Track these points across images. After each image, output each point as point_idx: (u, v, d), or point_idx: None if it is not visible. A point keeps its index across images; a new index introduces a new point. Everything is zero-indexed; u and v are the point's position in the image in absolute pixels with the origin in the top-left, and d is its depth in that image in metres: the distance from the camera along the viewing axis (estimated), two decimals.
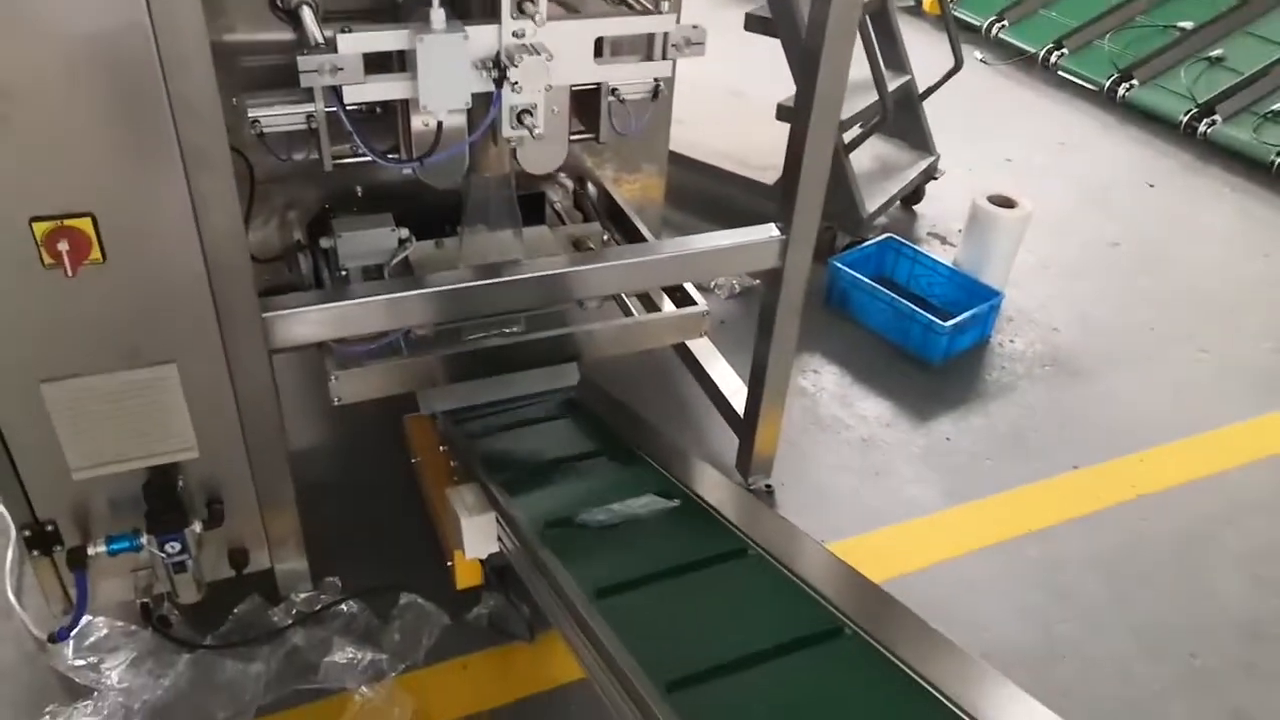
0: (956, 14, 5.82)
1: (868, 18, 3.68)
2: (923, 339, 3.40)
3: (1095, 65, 5.54)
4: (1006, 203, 3.60)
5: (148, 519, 2.03)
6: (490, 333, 2.44)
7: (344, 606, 2.36)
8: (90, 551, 2.03)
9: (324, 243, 2.41)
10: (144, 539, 2.03)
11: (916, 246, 3.75)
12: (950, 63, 4.14)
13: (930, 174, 4.25)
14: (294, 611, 2.34)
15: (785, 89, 3.36)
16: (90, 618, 2.24)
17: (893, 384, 3.32)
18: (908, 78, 4.09)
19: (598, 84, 2.35)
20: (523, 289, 2.24)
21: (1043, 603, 2.59)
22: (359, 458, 2.85)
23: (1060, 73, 5.66)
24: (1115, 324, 3.72)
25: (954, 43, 4.12)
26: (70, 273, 1.72)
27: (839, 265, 3.61)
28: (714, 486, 2.21)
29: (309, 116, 2.15)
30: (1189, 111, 5.03)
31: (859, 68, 3.51)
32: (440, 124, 2.08)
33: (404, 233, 2.41)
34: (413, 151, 2.18)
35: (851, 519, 2.79)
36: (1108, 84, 5.39)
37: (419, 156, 2.14)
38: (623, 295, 2.78)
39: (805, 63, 2.19)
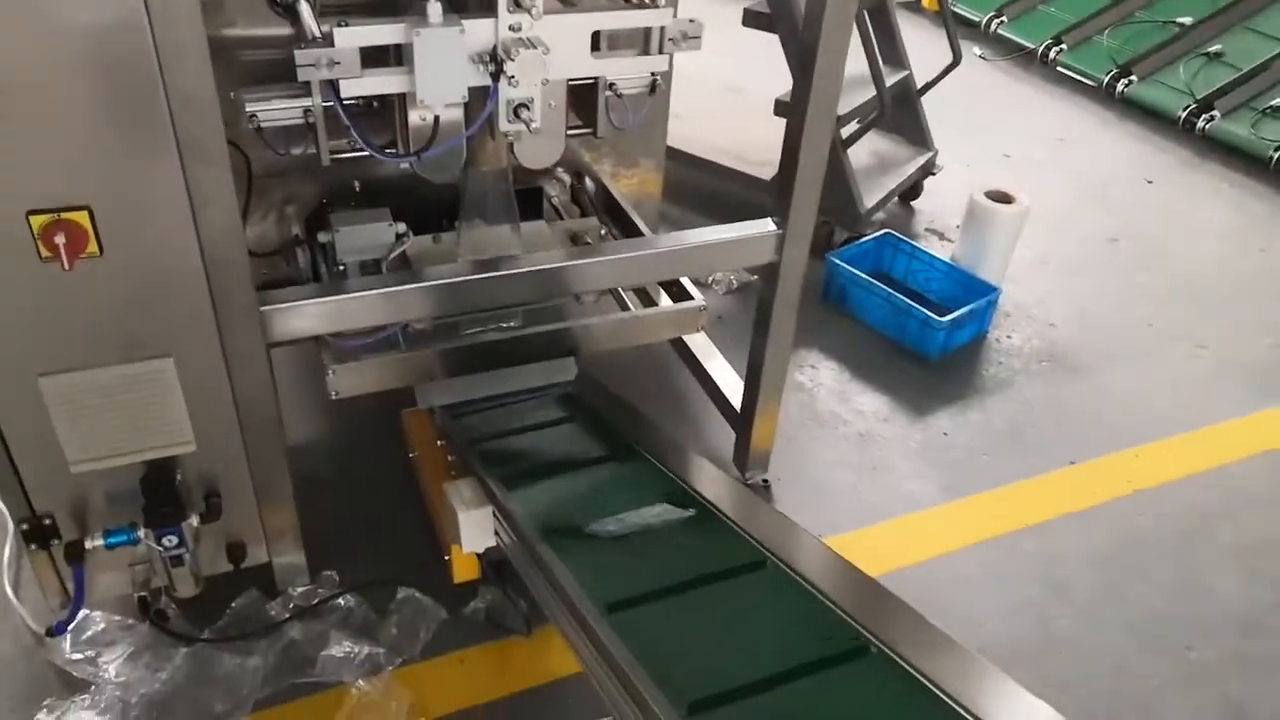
0: (955, 10, 5.83)
1: (866, 13, 3.67)
2: (920, 334, 3.40)
3: (1094, 61, 5.54)
4: (1004, 198, 3.60)
5: (145, 513, 2.03)
6: (488, 327, 2.44)
7: (341, 600, 2.36)
8: (88, 545, 2.04)
9: (322, 237, 2.41)
10: (141, 533, 2.04)
11: (914, 242, 3.75)
12: (949, 58, 4.14)
13: (928, 170, 4.25)
14: (291, 605, 2.35)
15: (783, 84, 3.35)
16: (88, 612, 2.25)
17: (890, 379, 3.32)
18: (906, 73, 4.09)
19: (595, 79, 2.36)
20: (519, 283, 2.24)
21: (1039, 597, 2.59)
22: (357, 452, 2.86)
23: (1059, 68, 5.66)
24: (1113, 319, 3.72)
25: (952, 38, 4.12)
26: (67, 266, 1.72)
27: (836, 261, 3.61)
28: (718, 485, 2.18)
29: (306, 111, 2.15)
30: (1188, 107, 5.03)
31: (857, 63, 3.52)
32: (437, 118, 2.08)
33: (401, 227, 2.41)
34: (410, 146, 2.19)
35: (848, 514, 2.80)
36: (1106, 79, 5.39)
37: (416, 151, 2.14)
38: (620, 290, 2.78)
39: (802, 57, 2.19)
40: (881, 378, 3.33)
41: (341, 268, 2.37)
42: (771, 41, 3.59)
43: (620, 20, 2.16)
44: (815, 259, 3.51)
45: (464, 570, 2.36)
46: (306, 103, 2.13)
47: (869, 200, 3.83)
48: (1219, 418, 3.26)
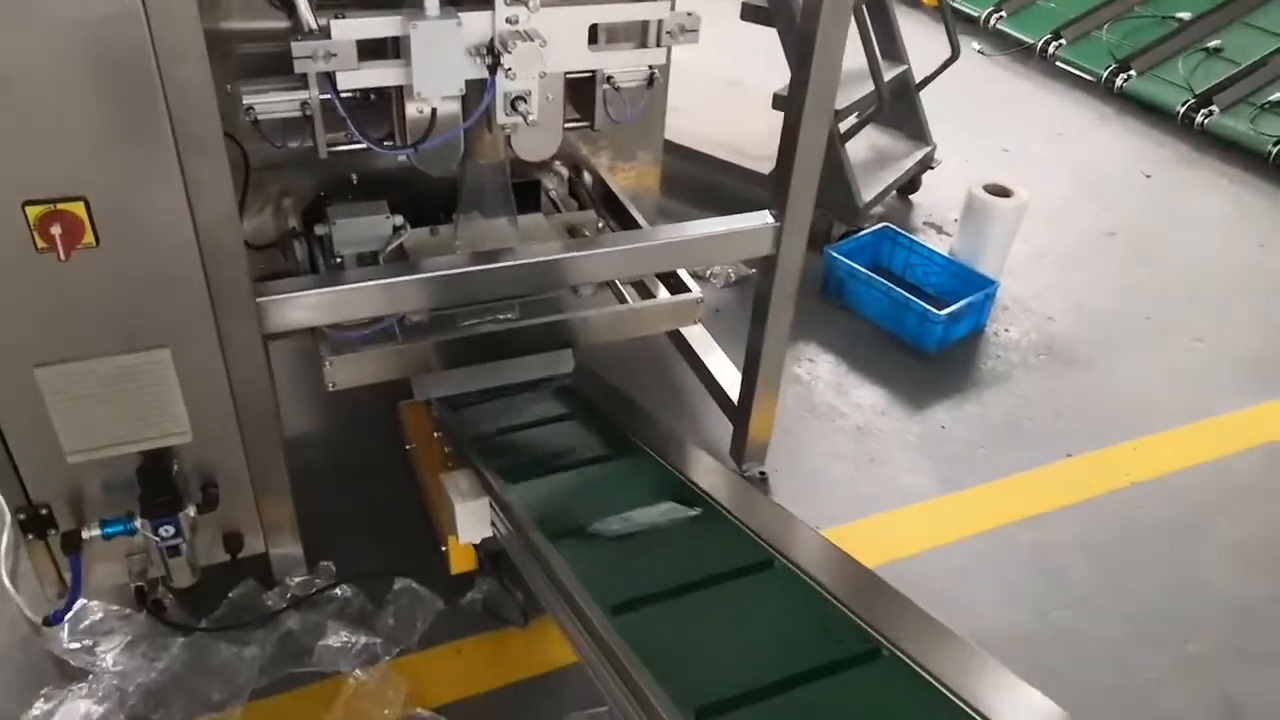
0: (954, 5, 5.83)
1: (864, 7, 3.67)
2: (918, 328, 3.40)
3: (1093, 56, 5.53)
4: (1002, 192, 3.61)
5: (142, 503, 2.03)
6: (485, 319, 2.45)
7: (338, 591, 2.37)
8: (84, 535, 2.04)
9: (319, 230, 2.42)
10: (138, 522, 2.04)
11: (912, 236, 3.76)
12: (947, 53, 4.14)
13: (926, 164, 4.25)
14: (288, 595, 2.35)
15: (782, 78, 3.33)
16: (85, 601, 2.26)
17: (888, 372, 3.33)
18: (904, 67, 4.09)
19: (593, 71, 2.36)
20: (516, 274, 2.24)
21: (1036, 589, 2.60)
22: (354, 444, 2.86)
23: (1058, 63, 5.66)
24: (1110, 313, 3.72)
25: (950, 32, 4.12)
26: (63, 256, 1.72)
27: (835, 254, 3.62)
28: (720, 481, 2.17)
29: (304, 103, 2.15)
30: (1186, 102, 5.03)
31: (855, 57, 3.53)
32: (434, 111, 2.08)
33: (399, 220, 2.41)
34: (407, 138, 2.19)
35: (846, 506, 2.80)
36: (1105, 74, 5.38)
37: (413, 143, 2.15)
38: (617, 283, 2.79)
39: (800, 50, 2.19)
40: (879, 371, 3.33)
41: (339, 260, 2.38)
42: (770, 35, 3.59)
43: (618, 13, 2.15)
44: (814, 253, 3.52)
45: (461, 561, 2.36)
46: (303, 95, 2.13)
47: (867, 194, 3.83)
48: (1216, 410, 3.26)
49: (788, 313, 2.54)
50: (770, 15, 3.55)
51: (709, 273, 3.65)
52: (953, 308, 3.35)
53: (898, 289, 3.45)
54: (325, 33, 1.92)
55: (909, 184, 4.26)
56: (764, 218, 2.39)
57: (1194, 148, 4.96)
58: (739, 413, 2.79)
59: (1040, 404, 3.25)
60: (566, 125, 2.38)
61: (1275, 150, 4.68)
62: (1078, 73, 5.56)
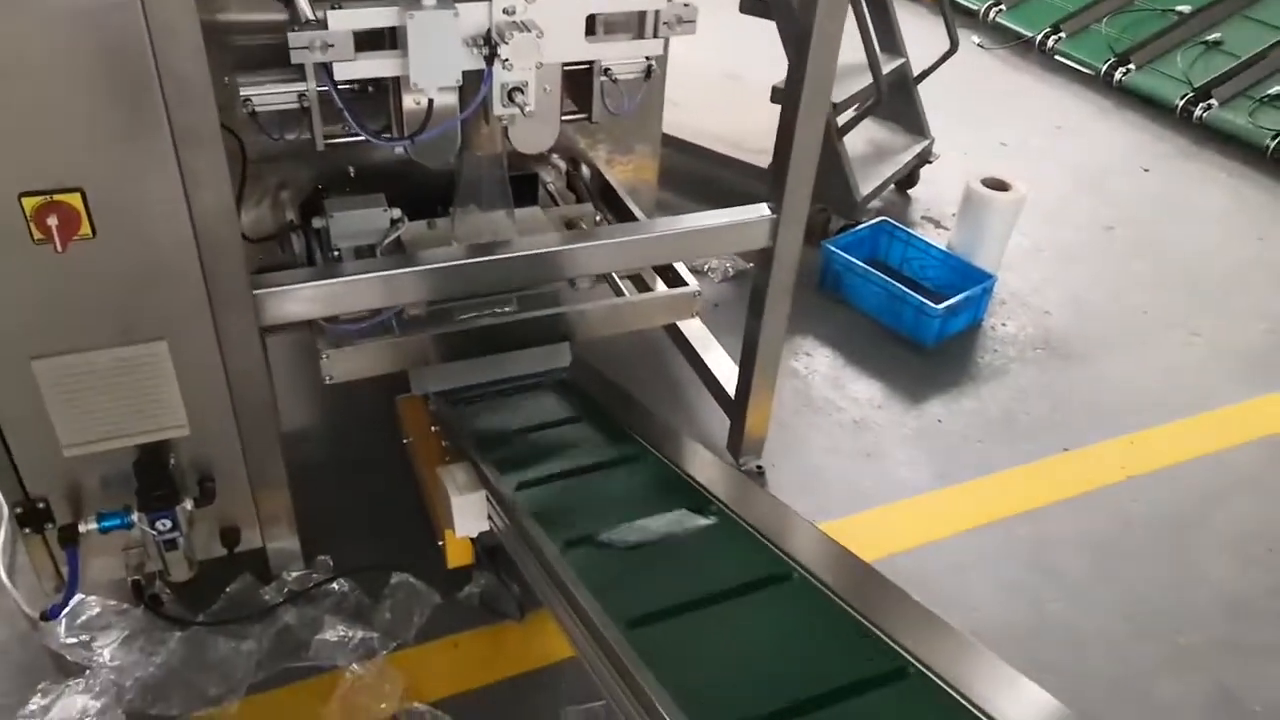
0: None
1: (863, 0, 3.67)
2: (915, 322, 3.40)
3: (1092, 49, 5.53)
4: (1001, 186, 3.60)
5: (139, 496, 2.03)
6: (482, 313, 2.44)
7: (335, 585, 2.37)
8: (82, 529, 2.04)
9: (316, 222, 2.41)
10: (135, 516, 2.04)
11: (910, 230, 3.75)
12: (946, 46, 4.13)
13: (925, 158, 4.25)
14: (285, 590, 2.35)
15: (781, 72, 3.31)
16: (82, 596, 2.26)
17: (885, 366, 3.33)
18: (902, 61, 4.08)
19: (590, 63, 2.35)
20: (513, 267, 2.24)
21: (1032, 582, 2.60)
22: (352, 438, 2.86)
23: (1057, 57, 5.66)
24: (1108, 307, 3.72)
25: (949, 25, 4.11)
26: (60, 248, 1.72)
27: (832, 248, 3.61)
28: (728, 483, 2.15)
29: (301, 95, 2.15)
30: (1185, 96, 5.03)
31: (854, 51, 3.52)
32: (431, 102, 2.08)
33: (396, 213, 2.40)
34: (404, 130, 2.18)
35: (842, 500, 2.81)
36: (1104, 68, 5.38)
37: (410, 134, 2.14)
38: (615, 277, 2.78)
39: (797, 41, 2.19)
40: (876, 365, 3.33)
41: (336, 253, 2.37)
42: (770, 29, 3.58)
43: (614, 4, 2.14)
44: (811, 247, 3.52)
45: (457, 555, 2.36)
46: (301, 87, 2.14)
47: (865, 188, 3.83)
48: (1213, 404, 3.27)
49: (785, 306, 2.54)
50: (769, 7, 3.54)
51: (707, 267, 3.65)
52: (950, 302, 3.35)
53: (895, 283, 3.45)
54: (322, 23, 1.91)
55: (907, 178, 4.26)
56: (761, 210, 2.39)
57: (1193, 141, 4.96)
58: (736, 406, 2.79)
59: (1037, 398, 3.25)
60: (564, 118, 2.37)
61: (1274, 144, 4.68)
62: (1077, 66, 5.56)
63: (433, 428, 2.58)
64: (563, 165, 2.97)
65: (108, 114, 1.68)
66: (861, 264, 3.54)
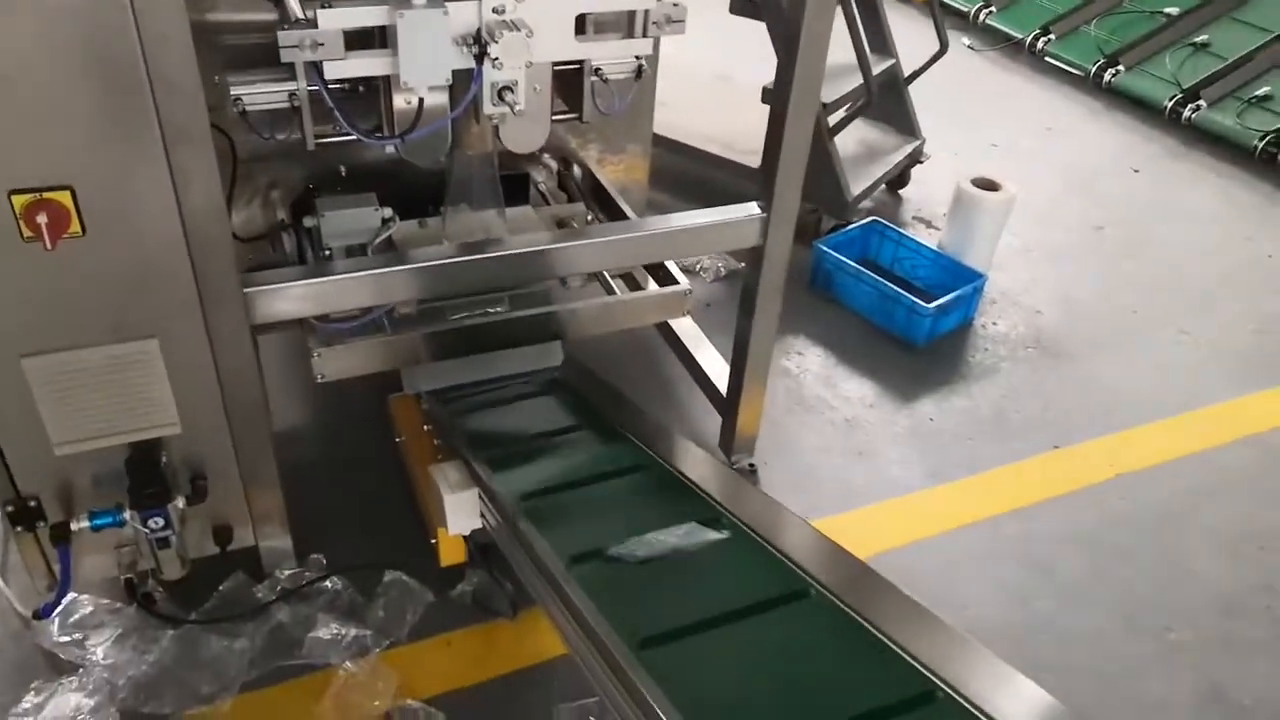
0: (944, 0, 5.83)
1: (853, 1, 3.68)
2: (906, 321, 3.42)
3: (1082, 51, 5.55)
4: (991, 186, 3.62)
5: (131, 494, 2.03)
6: (474, 311, 2.45)
7: (328, 583, 2.37)
8: (73, 527, 2.04)
9: (307, 222, 2.42)
10: (127, 514, 2.04)
11: (901, 230, 3.77)
12: (936, 47, 4.15)
13: (916, 158, 4.26)
14: (278, 588, 2.35)
15: (772, 73, 3.35)
16: (75, 595, 2.25)
17: (876, 365, 3.34)
18: (893, 61, 4.10)
19: (580, 63, 2.36)
20: (504, 265, 2.24)
21: (1022, 579, 2.61)
22: (344, 437, 2.86)
23: (1047, 58, 5.68)
24: (1098, 307, 3.74)
25: (939, 25, 4.13)
26: (49, 246, 1.72)
27: (824, 248, 3.63)
28: (711, 472, 2.16)
29: (291, 94, 2.16)
30: (1174, 97, 5.05)
31: (844, 51, 3.54)
32: (421, 101, 2.09)
33: (387, 212, 2.40)
34: (394, 129, 2.19)
35: (834, 498, 2.82)
36: (1094, 69, 5.40)
37: (400, 133, 2.15)
38: (606, 277, 2.79)
39: (786, 39, 2.20)
40: (868, 364, 3.34)
41: (327, 252, 2.37)
42: (760, 30, 3.59)
43: (604, 3, 2.16)
44: (803, 246, 3.54)
45: (450, 553, 2.37)
46: (291, 86, 2.14)
47: (856, 188, 3.84)
48: (1202, 403, 3.28)
49: (775, 304, 2.55)
50: (759, 8, 3.56)
51: (699, 267, 3.66)
52: (941, 301, 3.37)
53: (886, 282, 3.46)
54: (312, 23, 1.92)
55: (898, 178, 4.28)
56: (751, 209, 2.40)
57: (1182, 142, 4.98)
58: (727, 404, 2.80)
59: (1027, 397, 3.26)
60: (555, 117, 2.38)
61: (1262, 144, 4.70)
62: (1066, 68, 5.58)
63: (425, 426, 2.58)
64: (554, 165, 2.98)
65: (97, 112, 1.68)
66: (853, 264, 3.55)
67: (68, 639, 2.22)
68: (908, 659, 1.55)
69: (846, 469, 2.93)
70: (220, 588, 2.34)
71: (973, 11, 6.05)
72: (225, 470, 2.18)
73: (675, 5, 2.18)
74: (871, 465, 2.95)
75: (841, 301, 3.61)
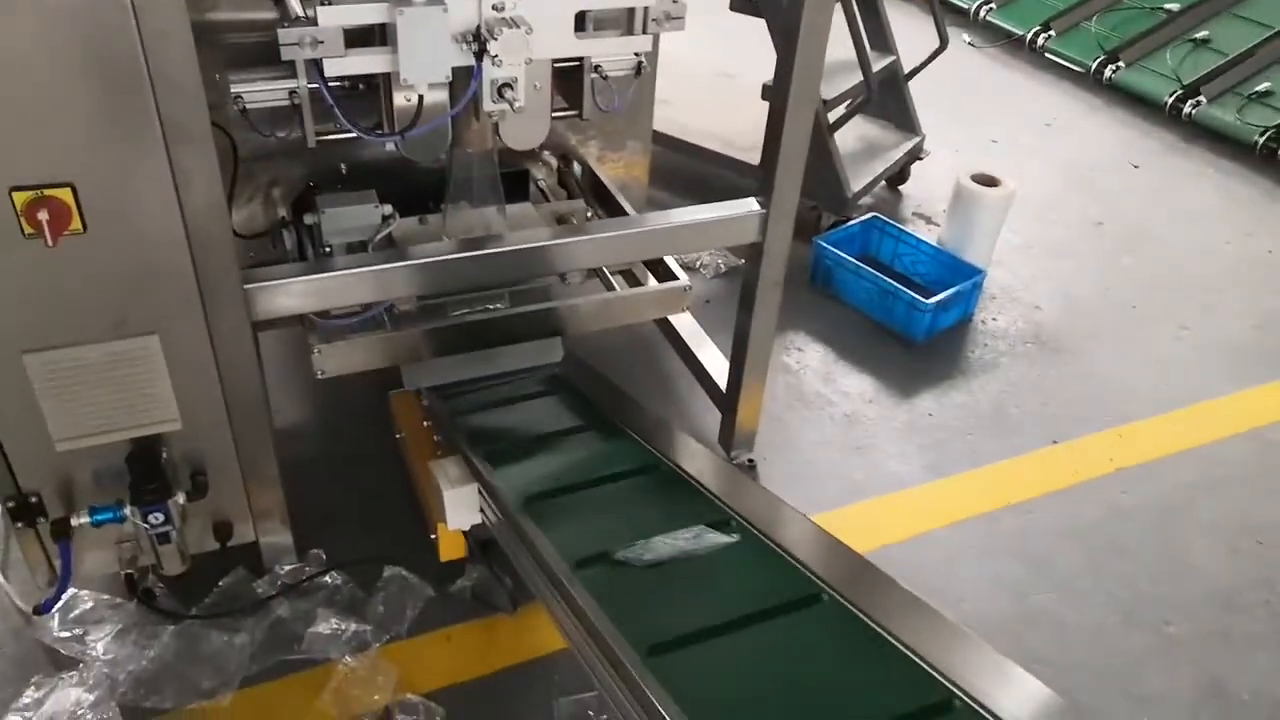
0: None
1: None
2: (906, 317, 3.42)
3: (1082, 47, 5.55)
4: (991, 182, 3.62)
5: (131, 490, 2.04)
6: (474, 308, 2.45)
7: (328, 579, 2.38)
8: (74, 523, 2.04)
9: (308, 219, 2.43)
10: (128, 510, 2.05)
11: (901, 226, 3.77)
12: (936, 43, 4.15)
13: (915, 154, 4.26)
14: (278, 583, 2.36)
15: (772, 71, 3.36)
16: (75, 590, 2.26)
17: (876, 361, 3.34)
18: (893, 58, 4.10)
19: (580, 60, 2.37)
20: (503, 261, 2.25)
21: (1021, 573, 2.62)
22: (344, 433, 2.87)
23: (1047, 55, 5.67)
24: (1097, 302, 3.74)
25: (939, 22, 4.12)
26: (50, 242, 1.73)
27: (823, 244, 3.63)
28: (706, 465, 2.15)
29: (292, 92, 2.16)
30: (1174, 93, 5.05)
31: (844, 48, 3.54)
32: (421, 98, 2.09)
33: (387, 209, 2.41)
34: (395, 127, 2.19)
35: (833, 492, 2.82)
36: (1094, 66, 5.40)
37: (400, 130, 2.15)
38: (607, 274, 2.79)
39: (785, 34, 2.20)
40: (867, 360, 3.35)
41: (328, 249, 2.38)
42: (761, 27, 3.59)
43: (604, 0, 2.16)
44: (803, 243, 3.55)
45: (450, 548, 2.37)
46: (291, 84, 2.15)
47: (856, 184, 3.84)
48: (1201, 398, 3.29)
49: (775, 300, 2.56)
50: (759, 6, 3.56)
51: (699, 263, 3.66)
52: (940, 296, 3.37)
53: (886, 278, 3.46)
54: (312, 21, 1.92)
55: (898, 174, 4.28)
56: (750, 205, 2.41)
57: (1182, 138, 4.98)
58: (727, 400, 2.80)
59: (1027, 392, 3.27)
60: (555, 115, 2.39)
61: (1262, 140, 4.70)
62: (1067, 64, 5.57)
63: (425, 422, 2.59)
64: (554, 162, 2.99)
65: (98, 110, 1.69)
66: (853, 260, 3.56)
67: (68, 634, 2.23)
68: (925, 667, 1.51)
69: (846, 464, 2.94)
70: (220, 583, 2.35)
71: (973, 8, 6.04)
72: (226, 466, 2.18)
73: (675, 2, 2.18)
74: (871, 460, 2.96)
75: (841, 298, 3.61)
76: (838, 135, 3.77)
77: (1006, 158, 4.65)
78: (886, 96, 4.02)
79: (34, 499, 2.04)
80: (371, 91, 2.25)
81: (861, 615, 1.64)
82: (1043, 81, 5.56)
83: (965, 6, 6.08)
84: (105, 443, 2.00)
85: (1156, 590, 2.60)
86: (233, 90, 2.16)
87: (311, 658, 2.24)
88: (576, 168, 2.96)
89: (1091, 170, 4.67)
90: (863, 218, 3.81)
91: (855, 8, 3.70)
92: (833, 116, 3.73)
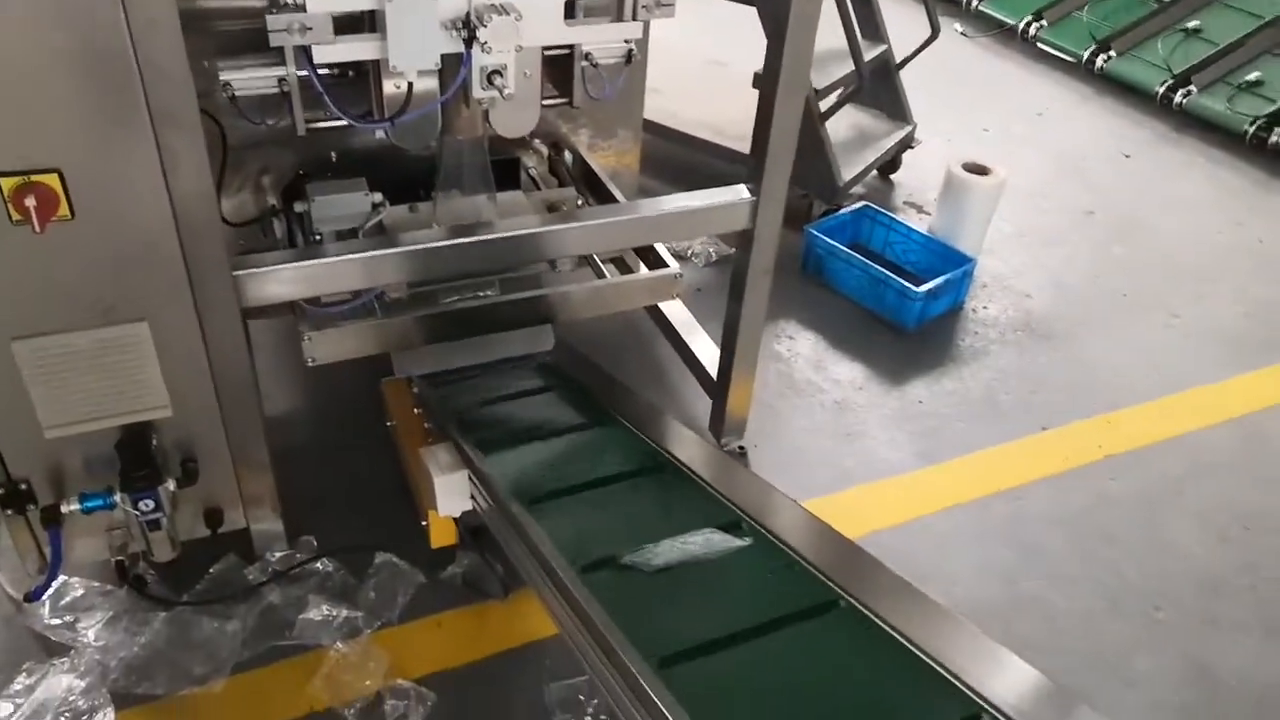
0: None
1: None
2: (897, 305, 3.43)
3: (1073, 37, 5.56)
4: (982, 170, 3.63)
5: (121, 477, 2.04)
6: (464, 295, 2.46)
7: (319, 565, 2.39)
8: (64, 510, 2.04)
9: (298, 207, 2.42)
10: (118, 497, 2.05)
11: (892, 214, 3.78)
12: (928, 32, 4.15)
13: (907, 143, 4.27)
14: (269, 570, 2.37)
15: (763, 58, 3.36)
16: (66, 578, 2.27)
17: (867, 349, 3.35)
18: (884, 47, 4.10)
19: (570, 48, 2.36)
20: (494, 249, 2.25)
21: (1010, 559, 2.63)
22: (335, 421, 2.87)
23: (1039, 44, 5.68)
24: (1088, 291, 3.76)
25: (930, 11, 4.13)
26: (38, 229, 1.72)
27: (815, 233, 3.63)
28: (698, 454, 2.15)
29: (281, 79, 2.15)
30: (1165, 82, 5.06)
31: (836, 37, 3.54)
32: (410, 85, 2.09)
33: (378, 197, 2.41)
34: (384, 114, 2.19)
35: (824, 479, 2.83)
36: (1086, 55, 5.41)
37: (390, 117, 2.15)
38: (597, 261, 2.80)
39: (775, 21, 2.20)
40: (858, 347, 3.36)
41: (318, 237, 2.38)
42: (752, 15, 3.58)
43: None
44: (794, 231, 3.55)
45: (441, 535, 2.38)
46: (281, 71, 2.14)
47: (847, 173, 3.85)
48: (1190, 385, 3.30)
49: (765, 287, 2.56)
50: None
51: (690, 252, 3.66)
52: (931, 284, 3.38)
53: (877, 267, 3.47)
54: (301, 7, 1.92)
55: (889, 163, 4.28)
56: (740, 192, 2.41)
57: (1173, 127, 5.00)
58: (718, 387, 2.81)
59: (1017, 379, 3.28)
60: (545, 102, 2.38)
61: (1252, 129, 4.72)
62: (1058, 54, 5.58)
63: (416, 409, 2.59)
64: (545, 150, 2.98)
65: (86, 96, 1.69)
66: (844, 248, 3.56)
67: (59, 621, 2.23)
68: (951, 679, 1.47)
69: (837, 451, 2.95)
70: (211, 570, 2.36)
71: None
72: (216, 453, 2.18)
73: None
74: (862, 447, 2.97)
75: (832, 286, 3.62)
76: (829, 124, 3.77)
77: (998, 147, 4.66)
78: (878, 85, 4.03)
79: (24, 486, 2.03)
80: (361, 79, 2.24)
81: (880, 622, 1.59)
82: (1034, 71, 5.57)
83: None
84: (95, 429, 2.00)
85: (1145, 576, 2.62)
86: (222, 77, 2.15)
87: (303, 644, 2.25)
88: (567, 155, 2.96)
89: (1083, 159, 4.68)
90: (854, 206, 3.81)
91: None
92: (824, 105, 3.73)
